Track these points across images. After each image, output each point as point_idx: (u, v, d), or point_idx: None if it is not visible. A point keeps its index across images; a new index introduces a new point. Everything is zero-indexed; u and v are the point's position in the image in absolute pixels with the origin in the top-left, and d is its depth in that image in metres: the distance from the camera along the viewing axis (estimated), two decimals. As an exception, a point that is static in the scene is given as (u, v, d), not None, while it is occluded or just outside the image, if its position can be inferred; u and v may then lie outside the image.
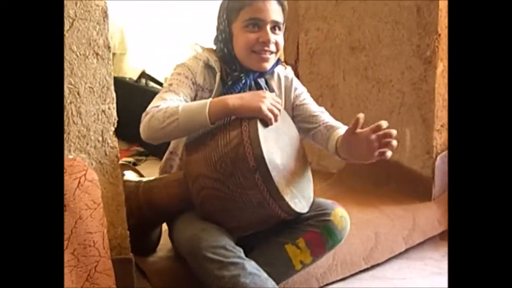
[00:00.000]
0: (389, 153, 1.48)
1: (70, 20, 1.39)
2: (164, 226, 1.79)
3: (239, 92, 1.61)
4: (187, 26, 4.47)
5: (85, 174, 1.37)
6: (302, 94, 1.78)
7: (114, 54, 4.06)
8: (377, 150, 1.48)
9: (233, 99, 1.48)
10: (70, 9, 1.39)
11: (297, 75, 1.81)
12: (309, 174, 1.67)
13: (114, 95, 1.49)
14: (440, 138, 2.34)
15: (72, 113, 1.43)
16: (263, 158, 1.40)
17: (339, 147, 1.63)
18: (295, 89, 1.77)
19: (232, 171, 1.43)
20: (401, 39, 2.38)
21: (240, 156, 1.42)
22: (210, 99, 1.51)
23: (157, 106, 1.52)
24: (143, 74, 3.96)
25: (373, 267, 2.07)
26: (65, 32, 1.39)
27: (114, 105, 1.49)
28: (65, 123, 1.42)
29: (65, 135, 1.42)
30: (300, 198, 1.55)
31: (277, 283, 1.54)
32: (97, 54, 1.44)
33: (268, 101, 1.48)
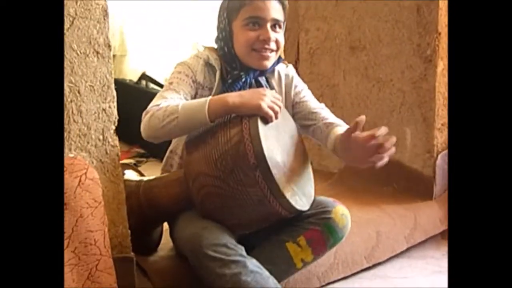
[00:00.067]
0: (379, 164, 1.48)
1: (71, 19, 1.39)
2: (165, 226, 1.79)
3: (239, 90, 1.61)
4: (187, 27, 4.47)
5: (85, 173, 1.37)
6: (302, 91, 1.78)
7: (114, 56, 4.06)
8: (369, 159, 1.48)
9: (233, 97, 1.48)
10: (70, 8, 1.39)
11: (297, 75, 1.81)
12: (309, 172, 1.67)
13: (114, 93, 1.49)
14: (441, 137, 2.34)
15: (72, 112, 1.43)
16: (264, 155, 1.40)
17: (336, 146, 1.63)
18: (295, 86, 1.77)
19: (233, 168, 1.43)
20: (401, 38, 2.38)
21: (241, 153, 1.42)
22: (210, 97, 1.51)
23: (158, 105, 1.52)
24: (144, 76, 3.97)
25: (374, 266, 2.07)
26: (65, 31, 1.39)
27: (115, 103, 1.49)
28: (66, 121, 1.42)
29: (65, 134, 1.42)
30: (301, 196, 1.54)
31: (279, 282, 1.54)
32: (97, 52, 1.45)
33: (268, 98, 1.47)
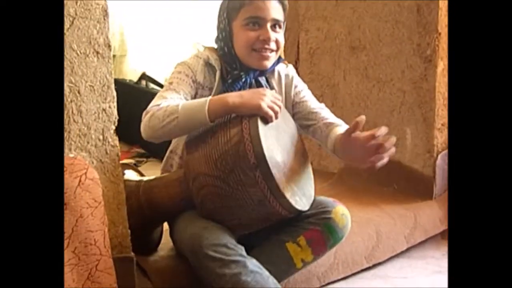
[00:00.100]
0: (379, 164, 1.47)
1: (71, 19, 1.39)
2: (165, 226, 1.79)
3: (239, 90, 1.61)
4: (187, 28, 4.47)
5: (85, 173, 1.36)
6: (302, 91, 1.78)
7: (114, 56, 4.06)
8: (369, 159, 1.47)
9: (232, 97, 1.48)
10: (70, 8, 1.39)
11: (297, 75, 1.82)
12: (309, 172, 1.67)
13: (114, 93, 1.49)
14: (441, 137, 2.34)
15: (72, 112, 1.43)
16: (264, 155, 1.40)
17: (336, 146, 1.63)
18: (295, 86, 1.77)
19: (233, 168, 1.43)
20: (401, 38, 2.38)
21: (241, 153, 1.42)
22: (210, 97, 1.51)
23: (158, 105, 1.52)
24: (144, 76, 3.97)
25: (374, 266, 2.07)
26: (65, 31, 1.39)
27: (115, 103, 1.49)
28: (66, 121, 1.42)
29: (65, 134, 1.42)
30: (301, 196, 1.54)
31: (279, 282, 1.54)
32: (97, 52, 1.45)
33: (268, 98, 1.47)
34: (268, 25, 1.61)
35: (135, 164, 3.30)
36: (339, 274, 1.96)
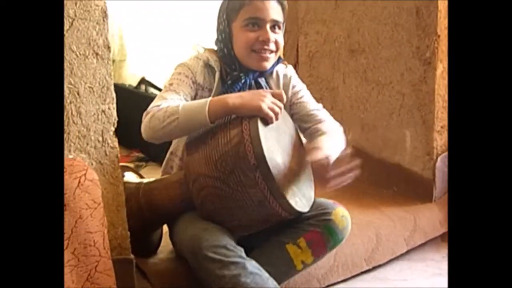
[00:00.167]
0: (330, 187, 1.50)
1: (70, 20, 1.39)
2: (165, 228, 1.78)
3: (238, 91, 1.61)
4: (187, 32, 4.47)
5: (85, 174, 1.36)
6: (300, 91, 1.77)
7: (113, 61, 4.07)
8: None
9: (233, 98, 1.48)
10: (69, 9, 1.39)
11: (297, 75, 1.81)
12: (310, 174, 1.66)
13: (114, 95, 1.48)
14: (441, 139, 2.34)
15: (72, 113, 1.43)
16: (264, 156, 1.40)
17: None
18: (293, 86, 1.76)
19: (233, 169, 1.43)
20: (400, 41, 2.39)
21: (241, 154, 1.42)
22: (210, 98, 1.51)
23: (158, 106, 1.52)
24: (143, 81, 3.97)
25: (374, 268, 2.06)
26: (64, 32, 1.39)
27: (114, 105, 1.49)
28: (65, 123, 1.42)
29: (65, 135, 1.42)
30: (301, 197, 1.54)
31: (278, 283, 1.53)
32: (96, 54, 1.45)
33: (269, 100, 1.47)
34: (268, 26, 1.61)
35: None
36: (339, 277, 1.95)
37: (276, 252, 1.59)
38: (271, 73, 1.74)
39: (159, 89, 3.84)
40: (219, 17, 1.68)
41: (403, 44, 2.37)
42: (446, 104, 2.31)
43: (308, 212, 1.58)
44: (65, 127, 1.42)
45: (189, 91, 1.62)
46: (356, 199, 2.31)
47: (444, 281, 1.97)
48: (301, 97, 1.76)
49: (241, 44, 1.63)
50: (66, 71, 1.40)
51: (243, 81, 1.64)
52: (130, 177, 1.77)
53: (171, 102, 1.54)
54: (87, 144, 1.46)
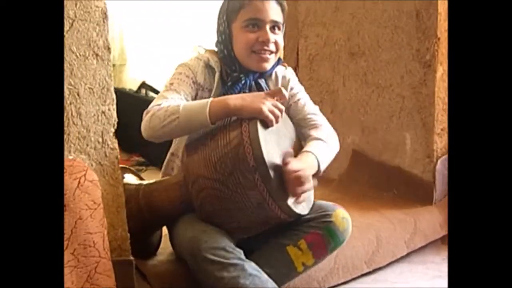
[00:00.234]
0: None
1: (70, 21, 1.40)
2: (164, 230, 1.78)
3: (238, 92, 1.61)
4: (187, 36, 4.48)
5: (85, 175, 1.36)
6: (298, 94, 1.77)
7: (114, 65, 4.07)
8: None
9: (234, 100, 1.48)
10: (70, 10, 1.39)
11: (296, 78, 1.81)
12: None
13: (114, 96, 1.49)
14: (441, 142, 2.34)
15: (72, 114, 1.43)
16: (263, 158, 1.40)
17: None
18: (291, 88, 1.76)
19: (232, 171, 1.43)
20: (400, 44, 2.39)
21: (240, 156, 1.42)
22: (211, 98, 1.51)
23: (159, 105, 1.52)
24: (143, 85, 3.97)
25: (375, 270, 2.06)
26: (65, 33, 1.39)
27: (114, 106, 1.49)
28: (65, 124, 1.42)
29: (65, 136, 1.42)
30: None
31: (279, 285, 1.54)
32: (97, 55, 1.45)
33: (269, 102, 1.47)
34: (267, 26, 1.61)
35: (134, 172, 3.30)
36: (339, 279, 1.95)
37: (276, 254, 1.59)
38: (271, 74, 1.74)
39: (160, 93, 3.84)
40: (219, 19, 1.68)
41: (403, 46, 2.38)
42: (446, 107, 2.31)
43: (308, 214, 1.58)
44: (65, 128, 1.42)
45: (190, 91, 1.62)
46: (356, 202, 2.32)
47: (444, 283, 1.96)
48: (298, 100, 1.75)
49: (241, 45, 1.63)
50: (66, 72, 1.41)
51: (243, 82, 1.64)
52: (130, 179, 1.77)
53: (171, 101, 1.54)
54: (87, 145, 1.46)
